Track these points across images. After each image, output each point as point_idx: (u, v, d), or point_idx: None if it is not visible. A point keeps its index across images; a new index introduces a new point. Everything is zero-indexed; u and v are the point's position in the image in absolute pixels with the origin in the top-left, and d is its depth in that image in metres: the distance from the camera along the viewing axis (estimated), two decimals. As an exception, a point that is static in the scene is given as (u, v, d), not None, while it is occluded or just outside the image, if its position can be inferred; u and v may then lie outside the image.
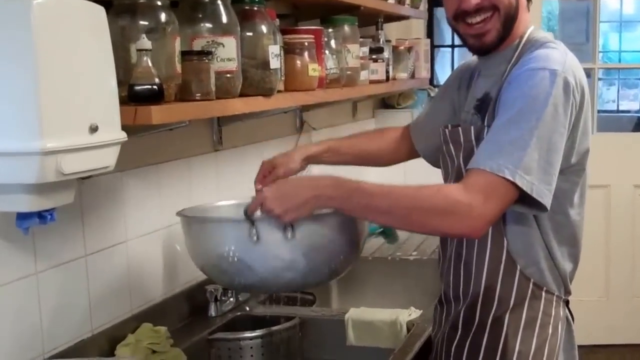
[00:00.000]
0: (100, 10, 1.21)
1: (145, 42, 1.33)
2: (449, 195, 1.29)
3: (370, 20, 2.57)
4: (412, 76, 2.93)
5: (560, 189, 1.37)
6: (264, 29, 1.69)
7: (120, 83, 1.31)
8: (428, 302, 1.84)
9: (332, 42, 2.13)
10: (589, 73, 3.73)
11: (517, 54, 1.43)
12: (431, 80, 3.43)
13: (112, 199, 1.66)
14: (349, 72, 2.22)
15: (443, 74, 5.68)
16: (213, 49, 1.54)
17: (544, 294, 1.45)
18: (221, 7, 1.56)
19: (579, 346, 1.56)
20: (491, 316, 1.45)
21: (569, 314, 1.52)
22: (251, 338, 1.81)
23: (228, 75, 1.58)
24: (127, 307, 1.68)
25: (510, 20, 1.42)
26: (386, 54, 2.60)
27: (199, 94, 1.49)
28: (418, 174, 1.77)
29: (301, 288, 1.48)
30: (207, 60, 1.51)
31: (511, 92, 1.34)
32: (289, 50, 1.89)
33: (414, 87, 3.07)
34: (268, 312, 1.93)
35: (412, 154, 1.74)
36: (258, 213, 1.36)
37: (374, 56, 2.51)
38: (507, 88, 1.35)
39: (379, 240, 2.65)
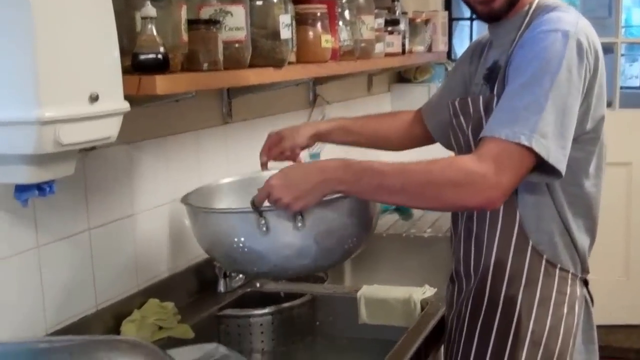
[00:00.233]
0: (101, -25, 1.17)
1: (149, 10, 1.29)
2: (462, 166, 1.24)
3: (386, -9, 2.51)
4: (429, 49, 2.87)
5: (575, 158, 1.33)
6: (274, -3, 1.64)
7: (124, 52, 1.26)
8: (443, 280, 1.79)
9: (346, 13, 2.06)
10: (611, 48, 3.63)
11: (526, 20, 1.38)
12: (449, 54, 3.35)
13: (118, 172, 1.62)
14: (363, 45, 2.16)
15: (461, 48, 5.57)
16: (221, 18, 1.50)
17: (557, 271, 1.40)
18: (229, -26, 1.51)
19: (598, 326, 1.51)
20: (503, 295, 1.41)
21: (587, 294, 1.47)
22: (261, 315, 1.78)
23: (237, 45, 1.53)
24: (134, 282, 1.65)
25: None
26: (402, 26, 2.53)
27: (206, 64, 1.45)
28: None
29: (315, 271, 1.43)
30: (214, 30, 1.46)
31: (523, 55, 1.29)
32: (301, 21, 1.84)
33: (430, 60, 3.00)
34: (279, 288, 1.90)
35: (425, 139, 1.69)
36: (266, 203, 1.32)
37: (389, 28, 2.44)
38: (519, 52, 1.31)
39: (394, 217, 2.61)
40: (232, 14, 1.50)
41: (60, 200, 1.43)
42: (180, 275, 1.79)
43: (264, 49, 1.63)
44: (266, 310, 1.78)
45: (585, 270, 1.45)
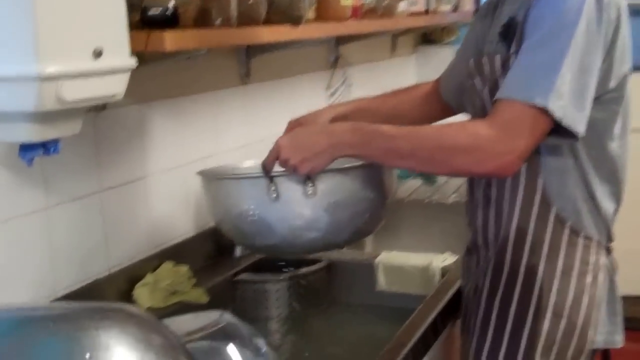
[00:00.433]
0: None
1: (159, -39, 1.23)
2: (474, 131, 1.19)
3: (411, -53, 2.41)
4: (455, 9, 2.77)
5: (598, 119, 1.26)
6: (292, -50, 1.57)
7: (133, 7, 1.22)
8: (465, 247, 1.75)
9: (368, -30, 1.99)
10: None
11: None
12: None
13: (131, 133, 1.58)
14: (385, 3, 2.09)
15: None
16: (235, -28, 1.43)
17: (581, 239, 1.34)
18: None
19: (623, 297, 1.44)
20: (523, 265, 1.35)
21: (611, 263, 1.40)
22: (277, 281, 1.74)
23: (251, 0, 1.47)
24: (147, 245, 1.61)
25: None
26: (427, -17, 2.45)
27: (219, 20, 1.39)
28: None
29: (324, 249, 1.37)
30: (228, -16, 1.40)
31: (539, 10, 1.22)
32: (320, -23, 1.77)
33: (457, 21, 2.91)
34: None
35: (444, 111, 1.61)
36: (276, 167, 1.27)
37: (413, -14, 2.36)
38: (535, 6, 1.24)
39: (416, 182, 2.55)
40: (247, -32, 1.45)
41: (70, 160, 1.40)
42: (195, 239, 1.75)
43: (281, 5, 1.57)
44: (282, 276, 1.74)
45: (609, 238, 1.39)
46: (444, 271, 1.75)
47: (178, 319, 1.06)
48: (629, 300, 1.55)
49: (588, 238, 1.34)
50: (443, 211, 2.32)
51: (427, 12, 2.47)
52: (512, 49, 1.29)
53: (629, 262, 1.60)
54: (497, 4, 1.41)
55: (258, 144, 2.02)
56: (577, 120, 1.19)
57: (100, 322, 0.68)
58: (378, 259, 1.77)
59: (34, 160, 1.27)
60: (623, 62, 1.28)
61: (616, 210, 1.39)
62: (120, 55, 1.15)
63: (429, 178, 2.57)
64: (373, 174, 1.33)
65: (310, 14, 1.69)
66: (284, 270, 1.78)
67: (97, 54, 1.09)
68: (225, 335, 1.02)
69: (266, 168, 1.27)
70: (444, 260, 1.80)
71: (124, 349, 0.67)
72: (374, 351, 1.37)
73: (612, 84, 1.28)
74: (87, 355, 0.65)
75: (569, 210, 1.33)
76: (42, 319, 0.68)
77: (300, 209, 1.27)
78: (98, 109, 1.47)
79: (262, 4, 1.49)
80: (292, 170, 1.25)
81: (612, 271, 1.40)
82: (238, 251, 1.83)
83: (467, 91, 1.41)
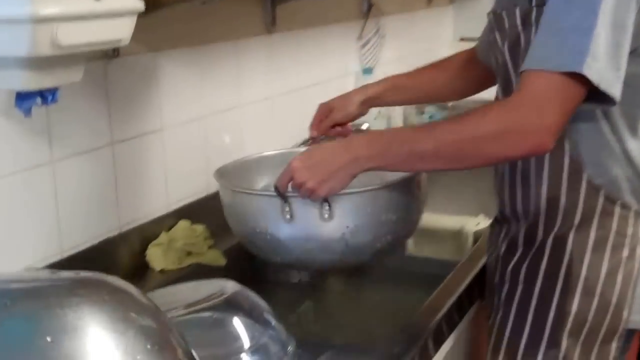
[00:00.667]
0: None
1: None
2: (498, 114, 1.08)
3: None
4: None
5: (634, 74, 1.13)
6: None
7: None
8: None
9: None
10: None
11: None
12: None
13: (146, 82, 1.48)
14: (423, -53, 1.94)
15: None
16: None
17: (618, 208, 1.20)
18: None
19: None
20: (552, 235, 1.23)
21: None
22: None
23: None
24: (163, 202, 1.53)
25: None
26: None
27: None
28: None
29: (342, 267, 1.28)
30: None
31: None
32: None
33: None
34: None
35: (487, 77, 1.45)
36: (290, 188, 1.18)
37: None
38: None
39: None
40: None
41: (78, 111, 1.31)
42: (214, 197, 1.65)
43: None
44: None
45: None
46: (477, 236, 1.65)
47: (178, 288, 0.98)
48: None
49: (625, 207, 1.21)
50: (477, 170, 2.19)
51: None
52: (534, 2, 1.16)
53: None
54: None
55: (283, 98, 1.91)
56: (614, 82, 1.07)
57: (67, 299, 0.58)
58: (407, 222, 1.67)
59: (39, 111, 1.20)
60: None
61: None
62: (125, -4, 1.04)
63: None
64: (395, 195, 1.24)
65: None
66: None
67: (98, -6, 0.98)
68: (230, 306, 0.93)
69: (279, 190, 1.17)
70: (477, 224, 1.70)
71: (95, 331, 0.57)
72: (400, 319, 1.28)
73: None
74: (48, 339, 0.55)
75: (603, 176, 1.20)
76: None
77: (315, 232, 1.18)
78: (109, 57, 1.37)
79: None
80: (309, 194, 1.15)
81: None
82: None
83: (491, 46, 1.29)
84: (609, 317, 1.21)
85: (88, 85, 1.33)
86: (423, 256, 1.67)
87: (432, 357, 1.23)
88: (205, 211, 1.60)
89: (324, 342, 1.17)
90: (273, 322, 0.97)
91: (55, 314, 0.56)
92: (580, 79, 1.05)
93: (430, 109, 2.49)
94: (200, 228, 1.53)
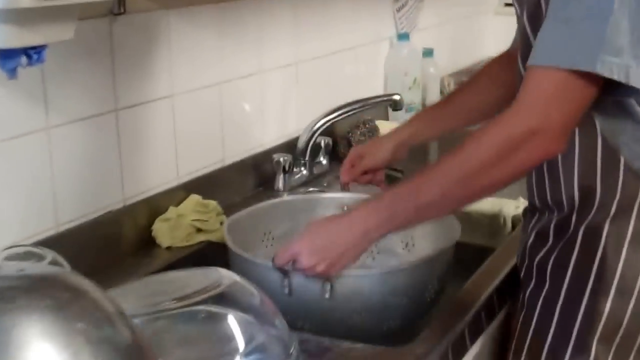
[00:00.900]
0: None
1: None
2: (495, 134, 0.97)
3: None
4: None
5: None
6: None
7: None
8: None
9: None
10: None
11: None
12: None
13: (155, 43, 1.35)
14: None
15: None
16: None
17: None
18: None
19: None
20: (584, 225, 1.08)
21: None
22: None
23: None
24: (171, 174, 1.41)
25: None
26: None
27: None
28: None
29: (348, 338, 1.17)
30: None
31: None
32: None
33: None
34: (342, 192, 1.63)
35: None
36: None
37: None
38: None
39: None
40: None
41: (78, 73, 1.19)
42: (229, 170, 1.54)
43: None
44: (336, 194, 1.44)
45: None
46: (516, 221, 1.50)
47: (168, 276, 0.86)
48: None
49: None
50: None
51: None
52: None
53: None
54: None
55: (308, 64, 1.78)
56: None
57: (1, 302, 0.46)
58: (438, 203, 1.53)
59: (33, 72, 1.09)
60: None
61: None
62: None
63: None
64: (407, 277, 1.12)
65: None
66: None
67: (85, -63, 0.86)
68: (225, 300, 0.81)
69: (276, 265, 1.06)
70: (516, 207, 1.55)
71: (33, 341, 0.46)
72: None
73: None
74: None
75: None
76: None
77: (314, 311, 1.08)
78: (115, 13, 1.25)
79: None
80: (316, 277, 1.05)
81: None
82: (280, 182, 1.62)
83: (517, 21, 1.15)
84: None
85: (90, 45, 1.22)
86: (456, 241, 1.53)
87: (468, 349, 1.11)
88: (218, 186, 1.48)
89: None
90: (274, 318, 0.85)
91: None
92: (594, 75, 0.92)
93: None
94: (212, 203, 1.41)
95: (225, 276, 0.84)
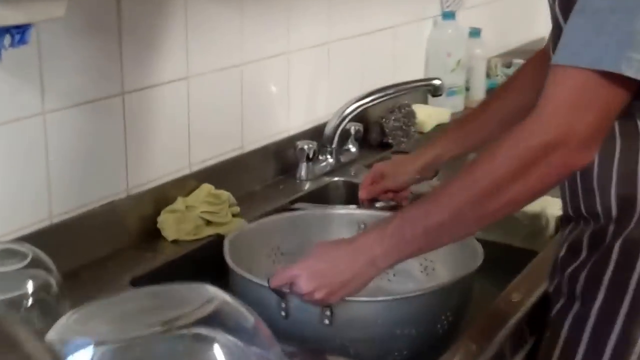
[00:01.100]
0: None
1: None
2: (515, 144, 0.86)
3: None
4: None
5: None
6: None
7: None
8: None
9: None
10: None
11: None
12: None
13: (169, 20, 1.25)
14: None
15: None
16: None
17: None
18: None
19: None
20: (621, 238, 0.97)
21: None
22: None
23: None
24: (183, 162, 1.32)
25: None
26: None
27: None
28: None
29: None
30: None
31: None
32: None
33: None
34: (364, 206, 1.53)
35: None
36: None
37: None
38: None
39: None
40: None
41: (80, 52, 1.11)
42: (249, 157, 1.44)
43: None
44: (353, 210, 1.39)
45: None
46: (559, 222, 1.37)
47: (149, 292, 0.77)
48: None
49: None
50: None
51: None
52: None
53: None
54: None
55: (342, 44, 1.66)
56: None
57: None
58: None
59: (28, 52, 1.00)
60: None
61: None
62: None
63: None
64: (417, 306, 1.02)
65: None
66: (355, 202, 1.44)
67: None
68: (213, 323, 0.72)
69: (272, 287, 0.97)
70: (560, 207, 1.42)
71: None
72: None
73: None
74: None
75: None
76: None
77: (311, 337, 0.98)
78: (124, -11, 1.15)
79: None
80: (314, 304, 0.96)
81: None
82: (303, 171, 1.52)
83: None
84: None
85: (95, 21, 1.13)
86: (492, 240, 1.41)
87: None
88: (233, 175, 1.39)
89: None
90: (267, 344, 0.76)
91: None
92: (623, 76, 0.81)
93: (518, 60, 2.17)
94: (225, 194, 1.32)
95: (215, 296, 0.74)
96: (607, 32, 0.82)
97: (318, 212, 1.29)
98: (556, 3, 0.94)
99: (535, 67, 1.19)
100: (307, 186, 1.50)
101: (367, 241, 0.94)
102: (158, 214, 1.25)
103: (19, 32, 0.85)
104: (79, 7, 1.07)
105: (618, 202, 0.97)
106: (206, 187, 1.32)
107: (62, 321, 0.73)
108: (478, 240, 1.35)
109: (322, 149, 1.55)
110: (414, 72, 1.94)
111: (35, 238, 1.05)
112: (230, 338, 0.73)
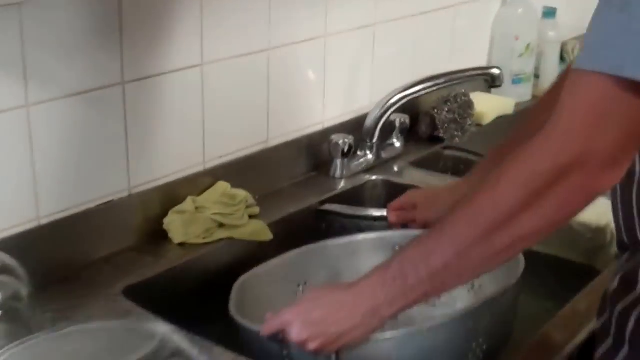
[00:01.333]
0: None
1: None
2: (523, 167, 0.74)
3: None
4: None
5: None
6: None
7: None
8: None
9: None
10: None
11: None
12: None
13: (177, 5, 1.13)
14: None
15: None
16: None
17: None
18: None
19: None
20: None
21: None
22: (375, 218, 1.27)
23: None
24: (197, 159, 1.21)
25: None
26: None
27: None
28: None
29: None
30: None
31: None
32: None
33: None
34: (415, 180, 1.38)
35: None
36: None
37: None
38: None
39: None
40: None
41: (71, 37, 1.00)
42: (273, 152, 1.32)
43: None
44: (385, 212, 1.24)
45: None
46: (624, 237, 1.19)
47: (90, 334, 0.66)
48: None
49: None
50: None
51: None
52: None
53: None
54: None
55: (387, 26, 1.50)
56: None
57: None
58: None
59: (10, 35, 0.91)
60: None
61: None
62: None
63: None
64: (435, 337, 0.90)
65: None
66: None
67: None
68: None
69: (263, 334, 0.88)
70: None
71: None
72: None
73: None
74: None
75: None
76: None
77: None
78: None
79: None
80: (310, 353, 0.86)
81: None
82: (337, 168, 1.38)
83: None
84: None
85: (94, 7, 1.02)
86: (550, 254, 1.25)
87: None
88: (255, 172, 1.27)
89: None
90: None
91: None
92: None
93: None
94: (242, 194, 1.20)
95: (165, 343, 0.62)
96: (634, 32, 0.67)
97: (344, 242, 1.14)
98: None
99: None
100: (341, 185, 1.37)
101: (368, 286, 0.83)
102: (166, 214, 1.15)
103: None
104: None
105: None
106: (221, 186, 1.20)
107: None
108: (532, 252, 1.19)
109: (361, 143, 1.41)
110: (476, 58, 1.76)
111: (20, 240, 0.97)
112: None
